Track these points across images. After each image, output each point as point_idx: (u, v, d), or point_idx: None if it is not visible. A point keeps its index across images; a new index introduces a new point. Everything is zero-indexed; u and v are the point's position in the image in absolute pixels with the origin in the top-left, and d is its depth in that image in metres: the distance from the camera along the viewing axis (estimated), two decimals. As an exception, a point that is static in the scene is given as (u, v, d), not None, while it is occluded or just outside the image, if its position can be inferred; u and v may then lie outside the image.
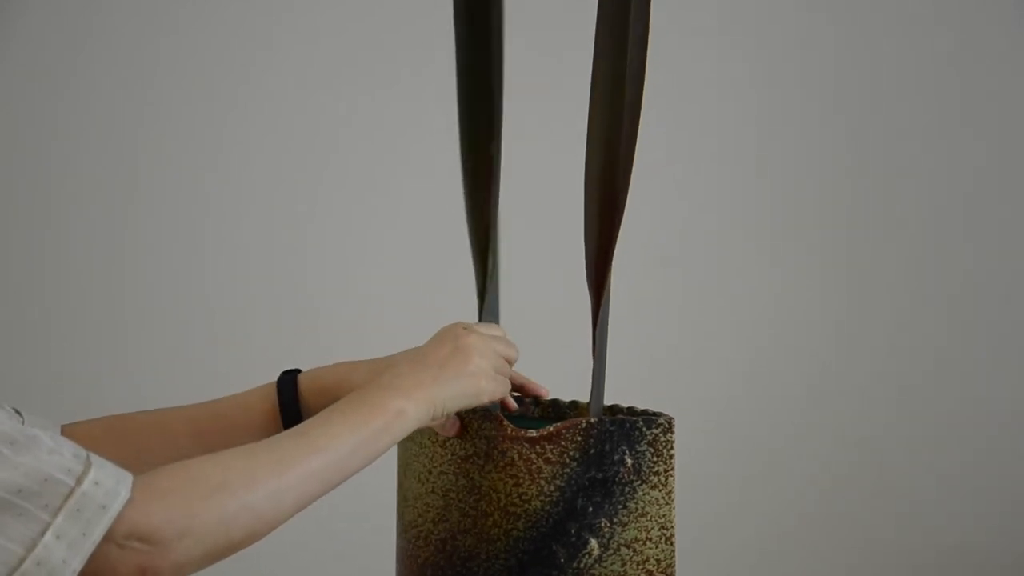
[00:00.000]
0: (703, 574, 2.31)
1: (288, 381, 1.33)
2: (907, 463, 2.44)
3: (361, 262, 2.41)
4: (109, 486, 0.97)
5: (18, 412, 1.26)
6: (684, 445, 1.99)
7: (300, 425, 1.13)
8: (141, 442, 1.32)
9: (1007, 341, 2.46)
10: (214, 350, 2.37)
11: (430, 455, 1.32)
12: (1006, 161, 2.46)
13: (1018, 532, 2.42)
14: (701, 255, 2.46)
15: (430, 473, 1.32)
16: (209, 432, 1.32)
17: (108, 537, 0.96)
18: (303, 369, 1.35)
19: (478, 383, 1.20)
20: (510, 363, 1.27)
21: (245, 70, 2.38)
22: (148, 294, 2.39)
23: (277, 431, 1.30)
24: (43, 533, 0.94)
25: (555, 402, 1.36)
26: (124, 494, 0.97)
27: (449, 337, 1.22)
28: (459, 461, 1.29)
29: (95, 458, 0.98)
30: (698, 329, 2.45)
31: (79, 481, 0.96)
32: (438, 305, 2.34)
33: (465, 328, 1.24)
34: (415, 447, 1.34)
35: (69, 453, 0.97)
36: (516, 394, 1.34)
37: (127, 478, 0.98)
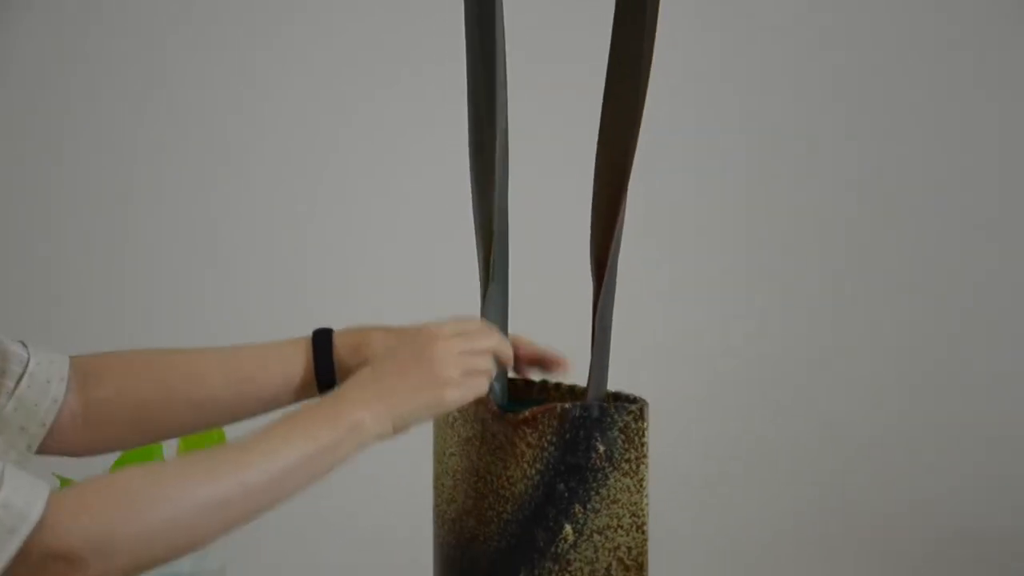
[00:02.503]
0: (679, 567, 2.29)
1: (323, 335, 1.32)
2: (898, 453, 2.40)
3: (361, 263, 2.42)
4: (19, 508, 0.96)
5: (24, 345, 1.27)
6: (677, 433, 2.00)
7: (247, 436, 1.10)
8: (169, 383, 1.31)
9: (995, 327, 2.40)
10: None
11: (443, 436, 1.33)
12: (1007, 157, 2.44)
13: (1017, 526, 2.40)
14: (695, 244, 2.45)
15: (443, 454, 1.34)
16: (245, 380, 1.31)
17: (23, 559, 0.96)
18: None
19: (441, 394, 1.17)
20: (498, 354, 1.23)
21: (245, 70, 2.40)
22: (148, 294, 2.41)
23: (311, 385, 1.31)
24: None
25: (572, 388, 1.35)
26: (34, 516, 0.96)
27: (414, 346, 1.19)
28: (462, 443, 1.31)
29: (9, 476, 0.97)
30: (694, 316, 2.44)
31: None
32: (438, 306, 2.37)
33: (432, 334, 1.20)
34: (435, 428, 1.36)
35: None
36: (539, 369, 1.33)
37: (40, 498, 0.97)
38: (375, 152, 2.41)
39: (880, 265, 2.42)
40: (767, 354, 2.42)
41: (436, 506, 1.35)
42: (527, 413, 1.24)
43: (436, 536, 1.35)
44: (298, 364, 1.31)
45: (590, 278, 1.31)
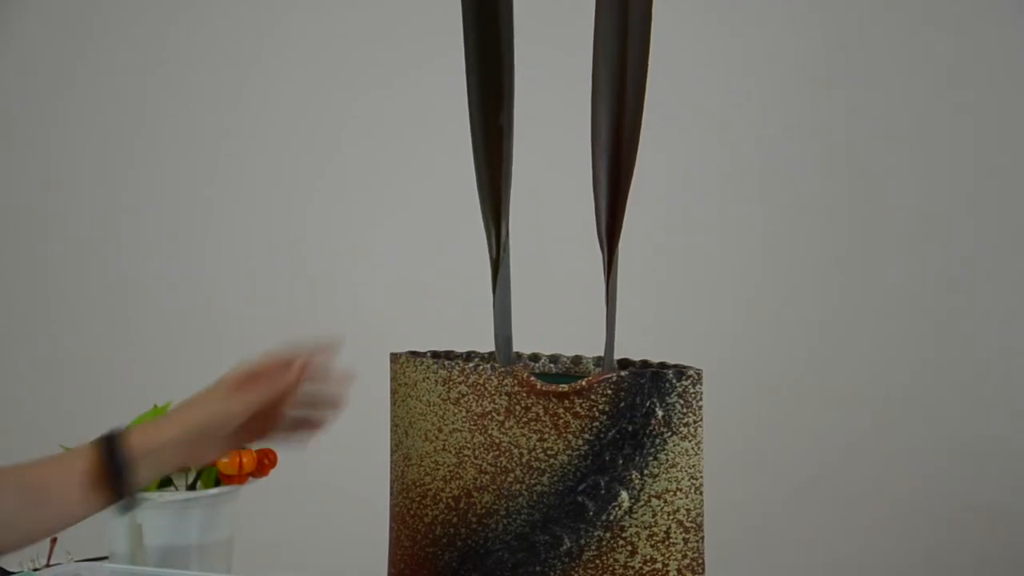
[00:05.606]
0: (730, 523, 2.33)
1: (113, 433, 1.28)
2: (925, 412, 2.48)
3: (360, 262, 2.41)
4: None
5: None
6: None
7: None
8: None
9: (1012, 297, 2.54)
10: (215, 348, 2.29)
11: (440, 413, 1.30)
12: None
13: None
14: (706, 211, 2.47)
15: (440, 431, 1.30)
16: (34, 488, 1.26)
17: None
18: None
19: None
20: None
21: (246, 70, 2.39)
22: (147, 293, 2.42)
23: (99, 484, 1.27)
24: None
25: (555, 357, 1.37)
26: None
27: None
28: (475, 418, 1.28)
29: None
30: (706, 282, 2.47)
31: None
32: (436, 305, 2.35)
33: None
34: (421, 406, 1.32)
35: None
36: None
37: None
38: (375, 151, 2.39)
39: (890, 248, 2.50)
40: (785, 323, 2.47)
41: (420, 485, 1.33)
42: (583, 383, 1.24)
43: (417, 516, 1.33)
44: (83, 471, 1.27)
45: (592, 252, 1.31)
